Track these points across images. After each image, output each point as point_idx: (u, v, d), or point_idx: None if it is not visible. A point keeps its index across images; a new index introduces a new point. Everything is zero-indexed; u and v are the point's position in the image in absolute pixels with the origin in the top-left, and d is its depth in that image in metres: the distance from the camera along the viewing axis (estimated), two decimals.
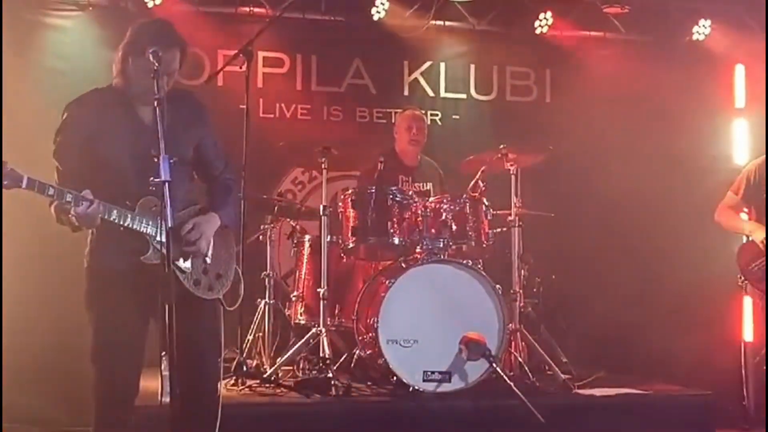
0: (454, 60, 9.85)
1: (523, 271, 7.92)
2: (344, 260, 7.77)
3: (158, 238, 4.49)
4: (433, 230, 7.33)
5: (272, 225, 8.04)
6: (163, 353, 4.64)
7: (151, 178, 4.16)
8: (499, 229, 7.74)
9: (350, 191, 7.60)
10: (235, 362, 7.05)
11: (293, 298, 7.92)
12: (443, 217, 7.37)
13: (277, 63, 9.38)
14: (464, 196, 7.48)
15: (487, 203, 7.52)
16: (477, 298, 7.10)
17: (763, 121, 8.61)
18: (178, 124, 4.67)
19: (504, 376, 6.79)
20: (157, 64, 4.32)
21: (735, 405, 7.70)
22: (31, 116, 7.76)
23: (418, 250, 7.38)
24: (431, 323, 6.97)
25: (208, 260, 4.73)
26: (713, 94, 9.77)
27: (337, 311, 7.74)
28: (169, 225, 4.03)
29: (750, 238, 7.21)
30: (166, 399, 4.19)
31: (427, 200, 7.49)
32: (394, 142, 8.60)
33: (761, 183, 7.07)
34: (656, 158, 9.45)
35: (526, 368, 7.35)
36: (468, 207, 7.43)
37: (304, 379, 7.22)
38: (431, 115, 9.69)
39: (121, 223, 4.39)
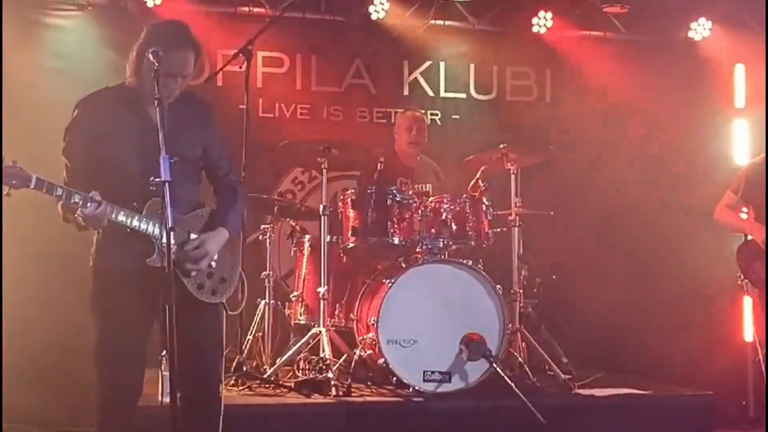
0: (454, 60, 9.84)
1: (523, 271, 7.91)
2: (344, 260, 7.77)
3: (164, 241, 4.49)
4: (433, 230, 7.33)
5: (272, 225, 8.03)
6: (163, 353, 4.66)
7: (152, 178, 4.16)
8: (499, 229, 7.73)
9: (350, 191, 7.59)
10: (235, 362, 7.06)
11: (293, 298, 7.92)
12: (443, 217, 7.37)
13: (277, 63, 9.37)
14: (464, 195, 7.48)
15: (487, 203, 7.52)
16: (477, 298, 7.09)
17: (763, 121, 8.61)
18: (185, 124, 4.68)
19: (504, 377, 6.79)
20: (157, 64, 4.32)
21: (735, 405, 7.70)
22: (31, 116, 7.77)
23: (418, 250, 7.38)
24: (431, 323, 6.96)
25: (213, 264, 4.73)
26: (713, 93, 9.76)
27: (337, 311, 7.74)
28: (170, 225, 4.02)
29: (750, 238, 7.21)
30: (166, 399, 4.19)
31: (427, 200, 7.49)
32: (394, 142, 8.59)
33: (761, 182, 7.06)
34: (656, 158, 9.46)
35: (527, 368, 7.34)
36: (468, 207, 7.43)
37: (304, 379, 7.20)
38: (431, 115, 9.68)
39: (128, 224, 4.39)
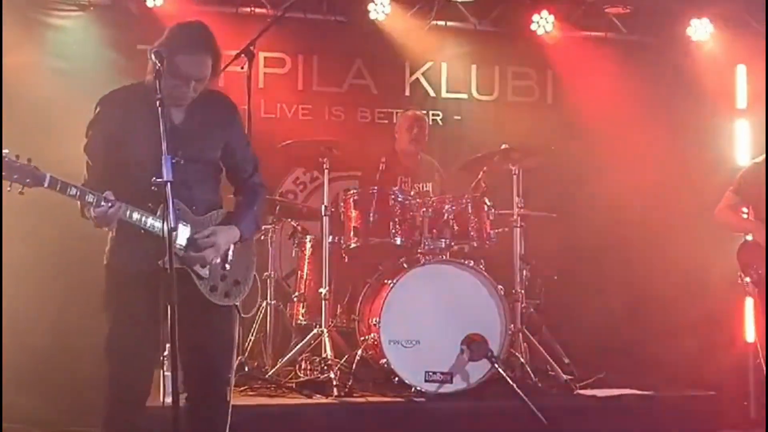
0: (456, 60, 9.83)
1: (525, 271, 7.91)
2: (346, 261, 7.76)
3: (177, 243, 4.49)
4: (434, 230, 7.34)
5: (274, 225, 8.03)
6: (165, 354, 4.65)
7: (153, 178, 4.15)
8: (500, 230, 7.73)
9: (352, 191, 7.60)
10: (236, 363, 7.05)
11: (295, 299, 7.92)
12: (445, 218, 7.38)
13: (279, 63, 9.36)
14: (466, 196, 7.48)
15: (488, 203, 7.53)
16: (479, 298, 7.10)
17: (765, 122, 8.61)
18: (207, 125, 4.69)
19: (506, 377, 6.80)
20: (159, 64, 4.31)
21: (737, 406, 7.69)
22: (32, 116, 7.76)
23: (419, 250, 7.38)
24: (433, 324, 6.97)
25: (228, 267, 4.71)
26: (715, 94, 9.74)
27: (338, 312, 7.75)
28: (171, 225, 4.01)
29: (750, 237, 7.20)
30: (168, 400, 4.18)
31: (429, 200, 7.49)
32: (395, 142, 8.59)
33: (761, 182, 7.05)
34: (658, 158, 9.44)
35: (528, 369, 7.35)
36: (470, 207, 7.44)
37: (305, 379, 7.22)
38: (432, 115, 9.68)
39: (142, 225, 4.37)
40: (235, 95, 7.59)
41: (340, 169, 8.29)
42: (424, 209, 7.38)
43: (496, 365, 6.84)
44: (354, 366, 7.21)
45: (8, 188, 4.12)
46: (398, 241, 7.35)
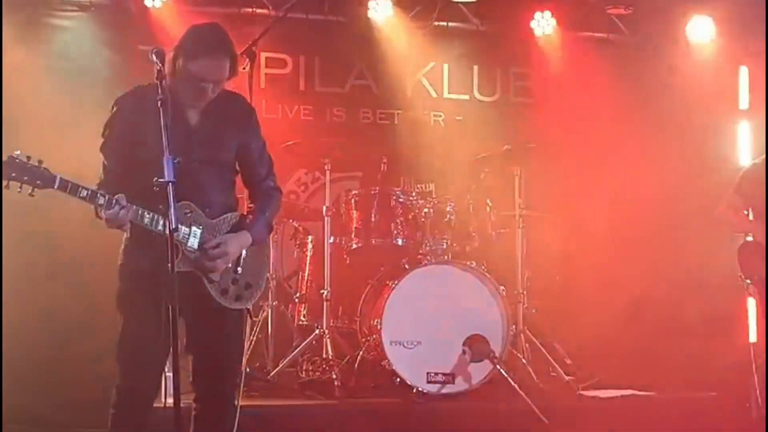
0: (458, 61, 9.82)
1: (526, 272, 7.91)
2: (347, 261, 7.76)
3: (188, 245, 4.49)
4: (436, 231, 7.34)
5: (275, 226, 8.02)
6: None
7: (155, 179, 4.14)
8: (502, 230, 7.73)
9: (353, 192, 7.60)
10: None
11: (296, 300, 7.92)
12: (446, 218, 7.38)
13: (280, 64, 9.35)
14: (468, 197, 7.48)
15: (490, 204, 7.53)
16: (480, 299, 7.10)
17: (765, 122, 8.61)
18: (221, 126, 4.69)
19: (508, 378, 6.80)
20: (160, 65, 4.31)
21: (739, 406, 7.67)
22: (33, 115, 7.76)
23: (421, 251, 7.38)
24: (435, 324, 6.97)
25: (239, 270, 4.70)
26: (717, 95, 9.73)
27: (340, 312, 7.75)
28: (173, 226, 4.00)
29: (750, 238, 7.19)
30: (170, 400, 4.18)
31: (431, 201, 7.49)
32: (397, 142, 8.60)
33: (761, 183, 7.04)
34: (660, 159, 9.43)
35: (530, 369, 7.34)
36: (471, 208, 7.44)
37: (307, 380, 7.21)
38: (434, 116, 9.68)
39: (153, 228, 4.36)
40: None
41: (342, 170, 8.30)
42: (426, 210, 7.37)
43: (498, 366, 6.84)
44: (355, 367, 7.21)
45: (19, 189, 4.12)
46: (400, 241, 7.36)
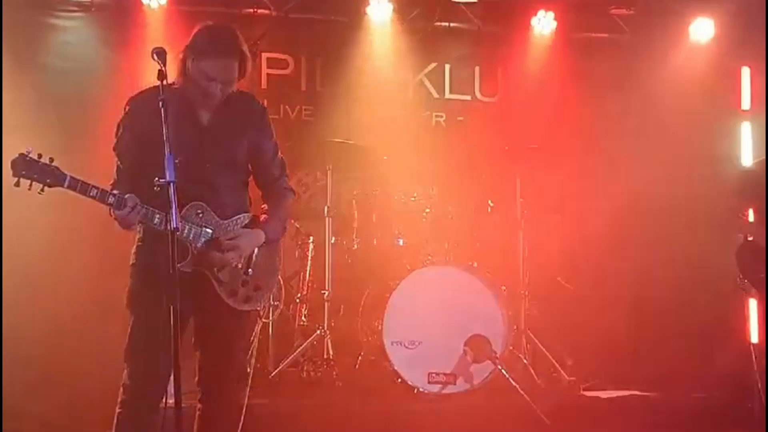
0: (459, 61, 9.82)
1: (528, 273, 7.91)
2: (349, 262, 7.76)
3: (197, 245, 4.49)
4: (437, 231, 7.34)
5: None
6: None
7: (156, 179, 4.14)
8: (504, 231, 7.72)
9: (355, 193, 7.60)
10: None
11: (297, 300, 7.91)
12: (448, 219, 7.38)
13: (282, 64, 9.35)
14: (469, 197, 7.48)
15: (491, 204, 7.52)
16: (482, 299, 7.09)
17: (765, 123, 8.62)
18: (234, 126, 4.69)
19: (509, 378, 6.79)
20: (161, 65, 4.30)
21: (741, 407, 7.67)
22: (34, 116, 7.76)
23: (422, 251, 7.37)
24: (436, 325, 6.97)
25: (250, 271, 4.70)
26: (719, 95, 9.73)
27: (341, 313, 7.74)
28: (174, 226, 3.99)
29: (750, 238, 7.18)
30: (171, 401, 4.18)
31: (432, 202, 7.49)
32: (398, 143, 8.60)
33: (761, 183, 7.03)
34: (661, 160, 9.42)
35: (531, 370, 7.34)
36: (472, 209, 7.44)
37: (308, 380, 7.21)
38: (436, 116, 9.67)
39: (162, 228, 4.35)
40: None
41: (343, 171, 8.28)
42: (427, 210, 7.37)
43: (499, 366, 6.84)
44: (357, 367, 7.20)
45: (29, 187, 4.13)
46: (401, 242, 7.36)
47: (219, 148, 4.59)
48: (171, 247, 3.99)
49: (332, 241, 7.52)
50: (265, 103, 8.91)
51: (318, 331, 7.38)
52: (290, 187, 5.01)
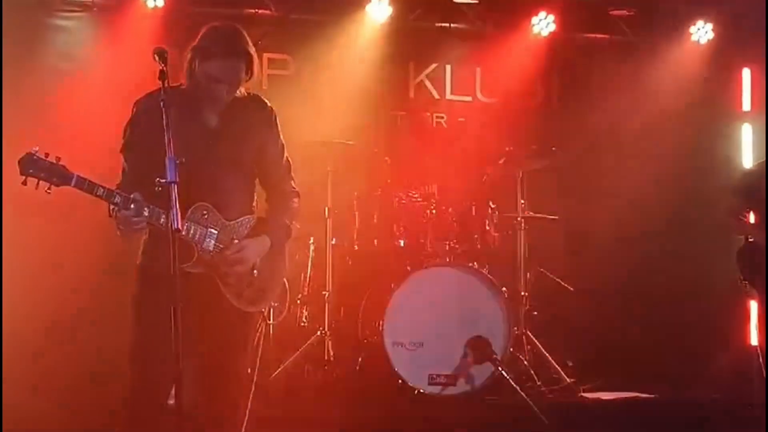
0: (460, 62, 9.82)
1: (529, 274, 7.91)
2: (349, 263, 7.75)
3: (204, 247, 4.48)
4: (438, 233, 7.33)
5: None
6: None
7: (157, 179, 4.13)
8: (505, 232, 7.72)
9: (356, 194, 7.59)
10: None
11: (298, 301, 7.91)
12: (449, 220, 7.38)
13: (283, 65, 9.34)
14: (470, 199, 7.48)
15: (493, 206, 7.52)
16: (483, 301, 7.10)
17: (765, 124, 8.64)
18: (241, 128, 4.67)
19: (509, 380, 6.79)
20: (162, 65, 4.30)
21: (741, 408, 7.67)
22: (35, 117, 7.76)
23: (423, 252, 7.37)
24: (437, 326, 6.97)
25: (255, 273, 4.69)
26: (721, 97, 9.75)
27: (341, 314, 7.73)
28: (176, 227, 3.98)
29: (751, 240, 7.18)
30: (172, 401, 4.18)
31: (433, 203, 7.48)
32: (400, 144, 8.60)
33: (762, 185, 7.03)
34: (662, 161, 9.43)
35: (532, 372, 7.34)
36: (474, 210, 7.43)
37: (308, 381, 7.21)
38: (437, 117, 9.66)
39: (166, 229, 4.34)
40: None
41: (344, 171, 8.27)
42: (428, 211, 7.37)
43: (500, 368, 6.84)
44: (357, 368, 7.20)
45: (36, 186, 4.14)
46: (402, 243, 7.35)
47: (225, 150, 4.58)
48: (172, 247, 3.98)
49: (333, 243, 7.52)
50: None
51: (318, 333, 7.38)
52: (296, 189, 4.99)
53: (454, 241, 7.37)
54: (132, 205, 4.25)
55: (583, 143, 9.29)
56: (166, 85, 4.26)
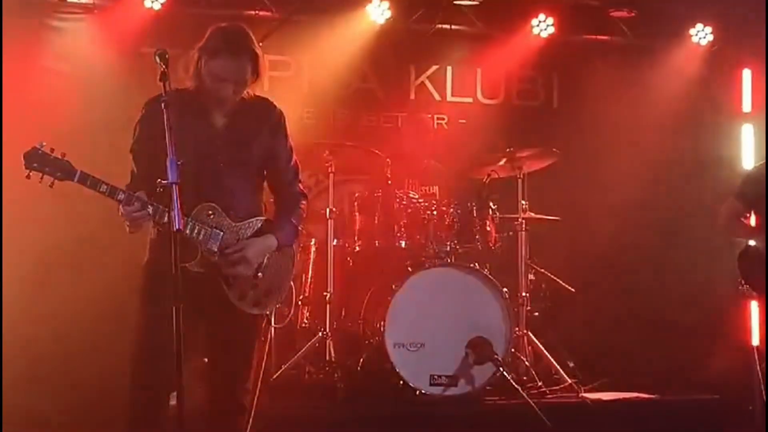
0: (461, 64, 9.82)
1: (530, 275, 7.91)
2: (350, 264, 7.76)
3: (207, 246, 4.49)
4: (439, 234, 7.34)
5: None
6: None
7: (158, 180, 4.14)
8: (506, 233, 7.73)
9: (357, 195, 7.60)
10: None
11: (299, 302, 7.91)
12: (450, 221, 7.39)
13: (284, 66, 9.33)
14: (471, 199, 7.48)
15: (494, 207, 7.53)
16: (484, 301, 7.10)
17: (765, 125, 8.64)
18: (249, 130, 4.69)
19: (511, 380, 6.79)
20: (164, 66, 4.31)
21: (741, 409, 7.68)
22: (36, 118, 7.77)
23: (424, 253, 7.38)
24: (438, 327, 6.97)
25: (260, 275, 4.68)
26: (722, 98, 9.75)
27: (343, 315, 7.74)
28: (177, 227, 3.99)
29: (752, 243, 7.16)
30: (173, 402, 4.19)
31: (434, 204, 7.49)
32: (401, 145, 8.60)
33: (762, 187, 7.02)
34: (663, 162, 9.43)
35: (533, 372, 7.34)
36: (475, 211, 7.44)
37: (309, 383, 7.21)
38: (438, 119, 9.66)
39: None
40: None
41: (345, 173, 8.28)
42: (429, 212, 7.38)
43: (501, 368, 6.84)
44: (358, 369, 7.20)
45: (40, 180, 4.17)
46: (403, 244, 7.36)
47: (233, 151, 4.60)
48: (173, 247, 3.99)
49: (334, 243, 7.52)
50: None
51: (320, 333, 7.39)
52: (304, 191, 5.00)
53: (455, 241, 7.38)
54: (135, 203, 4.26)
55: (584, 144, 9.30)
56: (167, 86, 4.28)
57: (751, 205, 7.18)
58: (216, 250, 4.52)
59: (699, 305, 8.94)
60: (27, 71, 8.18)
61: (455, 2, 9.36)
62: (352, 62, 9.47)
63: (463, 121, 9.77)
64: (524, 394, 6.65)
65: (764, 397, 7.22)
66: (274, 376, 7.22)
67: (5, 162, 7.15)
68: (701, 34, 9.65)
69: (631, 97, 9.51)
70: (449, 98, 9.82)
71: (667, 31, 9.77)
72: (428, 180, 8.51)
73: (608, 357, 8.50)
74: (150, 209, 4.32)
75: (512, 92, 9.92)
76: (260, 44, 6.99)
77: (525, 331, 7.61)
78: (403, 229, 7.34)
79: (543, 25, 9.48)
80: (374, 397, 6.99)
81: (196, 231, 4.47)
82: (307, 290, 7.89)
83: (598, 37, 9.83)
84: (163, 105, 4.21)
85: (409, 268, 7.28)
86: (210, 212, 4.50)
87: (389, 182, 7.63)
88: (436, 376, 6.88)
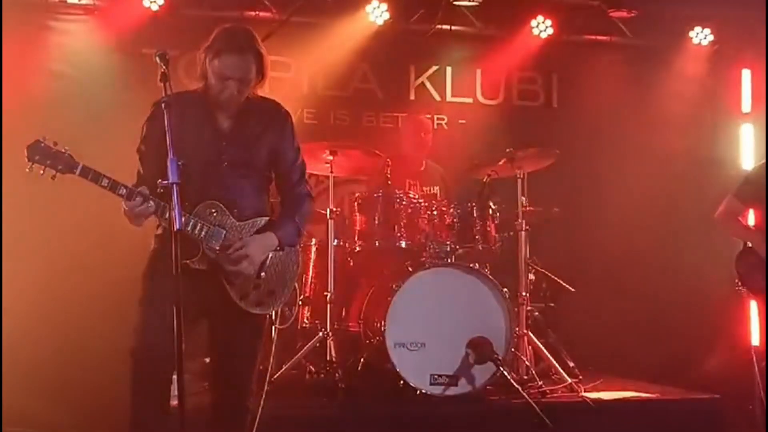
0: (461, 64, 9.84)
1: (530, 275, 7.91)
2: (351, 264, 7.76)
3: (208, 244, 4.49)
4: (440, 234, 7.34)
5: None
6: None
7: (159, 180, 4.16)
8: (506, 233, 7.73)
9: (357, 195, 7.60)
10: None
11: (299, 302, 7.90)
12: (450, 221, 7.39)
13: (284, 67, 9.35)
14: (471, 200, 7.49)
15: (494, 207, 7.53)
16: (484, 301, 7.09)
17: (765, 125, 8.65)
18: (254, 131, 4.71)
19: (511, 380, 6.79)
20: (164, 67, 4.32)
21: (742, 409, 7.68)
22: (37, 119, 7.77)
23: (424, 253, 7.38)
24: (438, 327, 6.96)
25: (263, 275, 4.69)
26: (721, 98, 9.77)
27: (343, 315, 7.74)
28: (178, 227, 4.00)
29: (749, 245, 7.15)
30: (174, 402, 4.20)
31: (434, 204, 7.50)
32: (401, 146, 8.61)
33: (762, 187, 7.02)
34: (663, 163, 9.45)
35: (533, 372, 7.34)
36: (475, 211, 7.44)
37: (310, 382, 7.21)
38: (437, 119, 9.68)
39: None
40: None
41: (346, 173, 8.29)
42: (430, 213, 7.39)
43: (501, 368, 6.84)
44: (359, 369, 7.21)
45: (41, 172, 4.19)
46: (403, 244, 7.36)
47: (238, 152, 4.62)
48: (174, 247, 4.00)
49: (334, 244, 7.52)
50: None
51: (320, 333, 7.39)
52: (309, 192, 5.02)
53: (455, 241, 7.38)
54: (137, 198, 4.27)
55: (584, 144, 9.31)
56: (167, 87, 4.30)
57: (751, 204, 7.18)
58: (218, 248, 4.52)
59: (699, 305, 8.95)
60: (27, 71, 8.20)
61: (455, 3, 9.37)
62: (351, 63, 9.50)
63: (463, 121, 9.80)
64: (525, 394, 6.64)
65: (764, 397, 7.21)
66: (275, 376, 7.22)
67: (5, 162, 7.17)
68: (701, 35, 9.68)
69: (630, 98, 9.53)
70: (449, 99, 9.85)
71: (667, 32, 9.78)
72: (428, 180, 8.52)
73: (608, 357, 8.51)
74: (152, 204, 4.33)
75: (512, 92, 9.94)
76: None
77: (525, 331, 7.61)
78: (403, 229, 7.33)
79: (542, 26, 9.50)
80: (375, 396, 6.99)
81: (198, 228, 4.48)
82: (307, 290, 7.89)
83: (598, 37, 9.85)
84: (163, 106, 4.23)
85: (410, 268, 7.28)
86: (213, 210, 4.52)
87: (389, 182, 7.63)
88: (436, 376, 6.88)
